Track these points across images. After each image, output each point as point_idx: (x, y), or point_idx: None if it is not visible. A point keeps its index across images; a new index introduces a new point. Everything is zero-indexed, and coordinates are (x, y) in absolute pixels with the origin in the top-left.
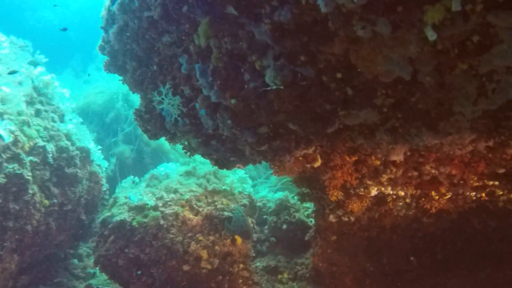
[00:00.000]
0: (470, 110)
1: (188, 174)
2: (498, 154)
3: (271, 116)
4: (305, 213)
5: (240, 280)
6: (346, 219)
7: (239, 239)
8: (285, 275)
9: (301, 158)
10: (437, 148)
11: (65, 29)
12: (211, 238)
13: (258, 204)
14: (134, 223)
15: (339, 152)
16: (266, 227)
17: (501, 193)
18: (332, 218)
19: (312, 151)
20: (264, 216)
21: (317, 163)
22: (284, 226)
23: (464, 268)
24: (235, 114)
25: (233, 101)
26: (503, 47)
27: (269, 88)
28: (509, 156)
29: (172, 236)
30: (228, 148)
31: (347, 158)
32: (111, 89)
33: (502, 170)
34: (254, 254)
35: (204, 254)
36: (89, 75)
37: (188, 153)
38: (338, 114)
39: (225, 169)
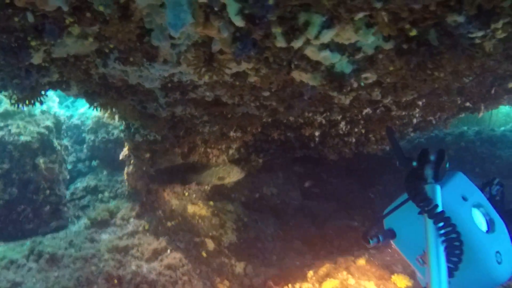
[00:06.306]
0: (167, 43)
1: None
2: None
3: None
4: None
5: (48, 207)
6: (152, 138)
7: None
8: (106, 194)
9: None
10: (179, 77)
11: None
12: (6, 166)
13: (76, 122)
14: None
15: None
16: (85, 145)
17: (282, 110)
18: (138, 137)
19: (57, 78)
20: (83, 134)
21: (72, 91)
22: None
23: (279, 171)
24: None
25: None
26: None
27: None
28: (257, 83)
29: None
30: None
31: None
32: None
33: (267, 94)
34: (68, 177)
35: None
36: None
37: None
38: (30, 44)
39: None
